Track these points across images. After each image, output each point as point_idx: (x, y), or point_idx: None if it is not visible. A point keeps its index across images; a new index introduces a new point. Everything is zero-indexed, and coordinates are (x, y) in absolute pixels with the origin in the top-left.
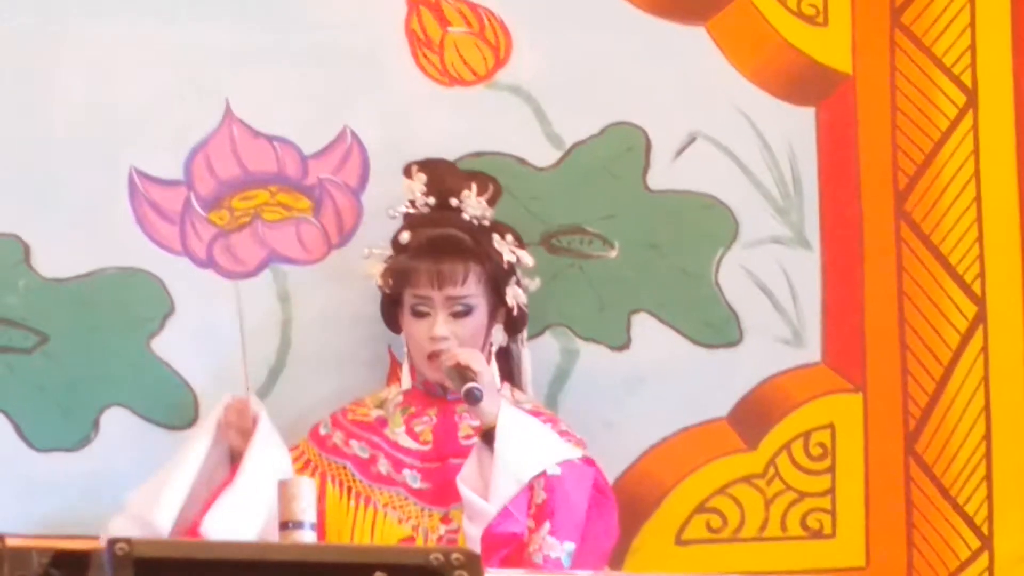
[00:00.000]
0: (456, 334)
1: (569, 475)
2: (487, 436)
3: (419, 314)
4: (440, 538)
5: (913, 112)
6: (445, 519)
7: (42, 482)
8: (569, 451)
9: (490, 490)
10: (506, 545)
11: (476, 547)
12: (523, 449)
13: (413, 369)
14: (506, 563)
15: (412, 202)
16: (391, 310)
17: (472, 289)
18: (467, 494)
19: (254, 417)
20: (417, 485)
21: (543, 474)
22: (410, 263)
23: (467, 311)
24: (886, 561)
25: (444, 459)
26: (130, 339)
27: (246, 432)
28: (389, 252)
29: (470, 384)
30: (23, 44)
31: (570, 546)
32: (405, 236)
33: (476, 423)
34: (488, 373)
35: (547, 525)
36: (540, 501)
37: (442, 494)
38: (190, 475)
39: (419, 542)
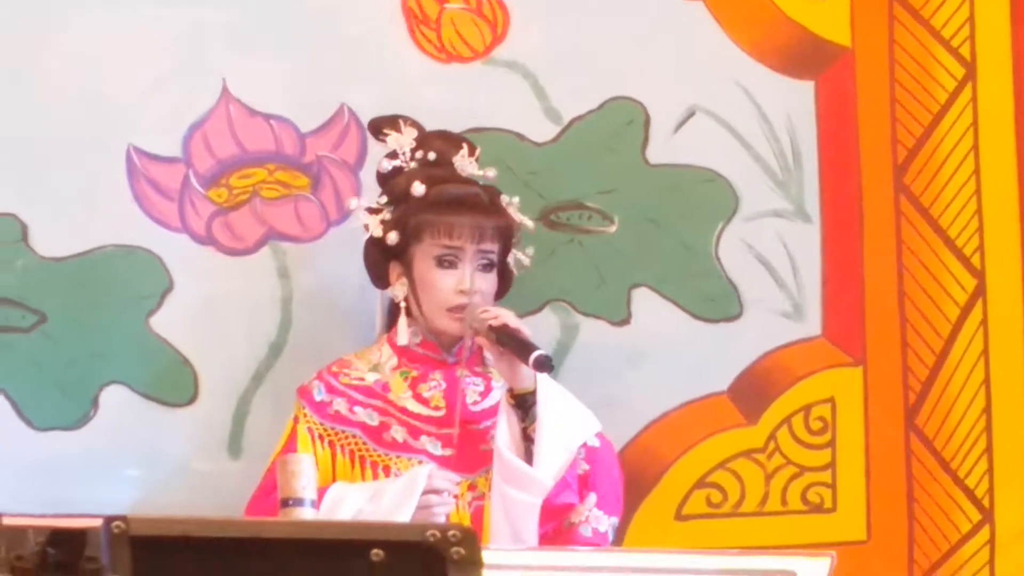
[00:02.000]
0: (482, 288)
1: (605, 447)
2: (519, 400)
3: (446, 265)
4: (468, 504)
5: (912, 85)
6: (472, 486)
7: (41, 460)
8: (596, 422)
9: (537, 458)
10: (563, 515)
11: (532, 515)
12: (566, 417)
13: (410, 325)
14: (546, 536)
15: (396, 154)
16: (383, 262)
17: (495, 247)
18: (517, 463)
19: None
20: (439, 452)
21: (583, 444)
22: (444, 216)
23: (490, 266)
24: (887, 535)
25: (462, 425)
26: (129, 317)
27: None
28: (377, 204)
29: (542, 352)
30: (20, 23)
31: (615, 520)
32: (419, 188)
33: (481, 388)
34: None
35: (593, 497)
36: (582, 472)
37: (466, 461)
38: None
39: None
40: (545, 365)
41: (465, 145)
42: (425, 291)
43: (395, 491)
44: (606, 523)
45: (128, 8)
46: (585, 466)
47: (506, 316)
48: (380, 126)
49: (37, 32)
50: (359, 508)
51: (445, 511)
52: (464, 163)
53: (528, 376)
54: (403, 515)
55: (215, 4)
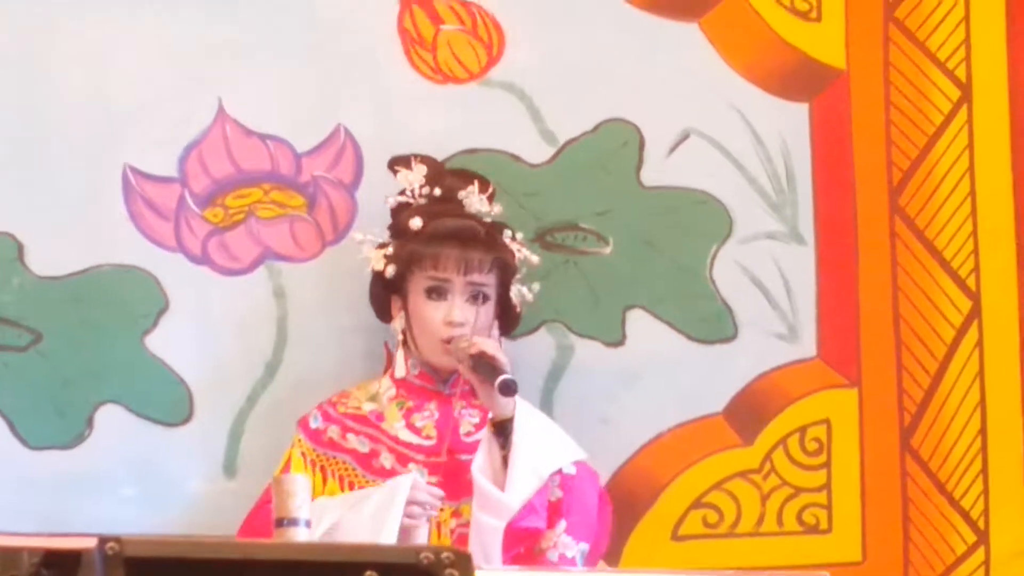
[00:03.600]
0: (470, 321)
1: (583, 475)
2: (498, 428)
3: (435, 298)
4: (452, 531)
5: (907, 107)
6: (456, 513)
7: (36, 479)
8: (578, 451)
9: (507, 483)
10: (528, 539)
11: (496, 539)
12: (540, 444)
13: (407, 358)
14: (517, 560)
15: (411, 192)
16: (384, 296)
17: (489, 279)
18: (486, 486)
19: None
20: (424, 480)
21: (559, 471)
22: (434, 247)
23: (483, 298)
24: (882, 556)
25: (450, 455)
26: (124, 336)
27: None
28: (382, 239)
29: (506, 376)
30: (17, 41)
31: (584, 546)
32: (417, 222)
33: (476, 420)
34: (509, 364)
35: (563, 524)
36: (555, 499)
37: (452, 488)
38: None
39: (432, 535)
40: (509, 389)
41: (476, 182)
42: (417, 324)
43: (377, 499)
44: (574, 549)
45: (124, 29)
46: (559, 493)
47: (485, 344)
48: (394, 164)
49: (34, 52)
50: (340, 515)
51: (427, 520)
52: (472, 199)
53: (508, 405)
54: (384, 523)
55: (212, 24)
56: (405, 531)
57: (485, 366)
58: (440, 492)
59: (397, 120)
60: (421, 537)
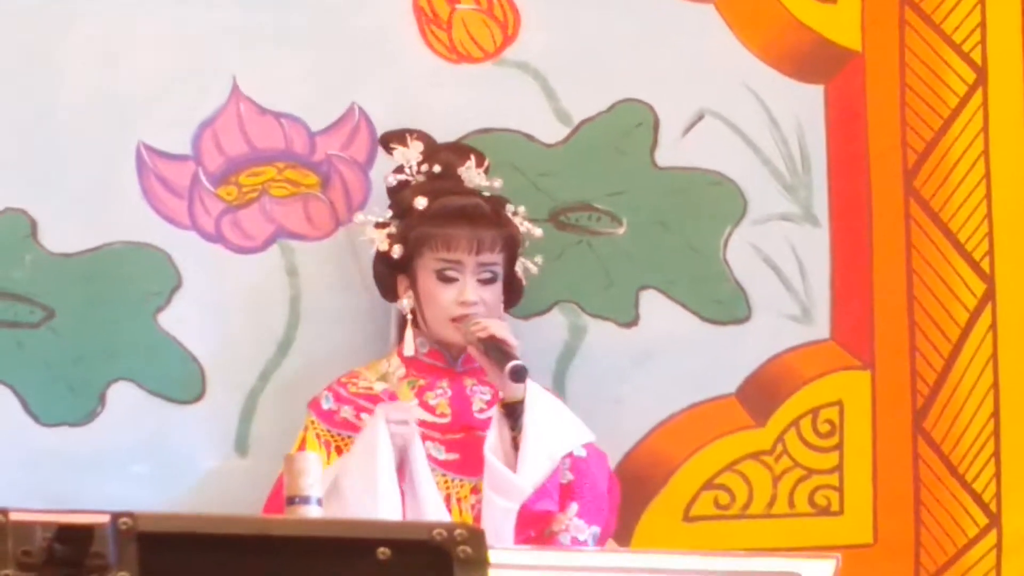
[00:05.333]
0: (483, 300)
1: (593, 457)
2: (508, 409)
3: (447, 279)
4: (473, 507)
5: (922, 89)
6: (475, 489)
7: (49, 456)
8: (588, 433)
9: (520, 465)
10: (541, 522)
11: (509, 521)
12: (551, 427)
13: (416, 336)
14: (528, 542)
15: (402, 168)
16: (391, 275)
17: (498, 258)
18: (499, 468)
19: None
20: (443, 456)
21: (569, 454)
22: (444, 228)
23: (493, 278)
24: (894, 538)
25: (467, 431)
26: (137, 314)
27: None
28: (384, 218)
29: (517, 363)
30: (31, 19)
31: (596, 529)
32: (422, 201)
33: (488, 397)
34: (518, 346)
35: (574, 507)
36: (566, 481)
37: (471, 464)
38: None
39: (453, 511)
40: (520, 375)
41: (473, 156)
42: (428, 304)
43: (362, 443)
44: (586, 532)
45: (139, 7)
46: (570, 476)
47: (495, 327)
48: (388, 140)
49: (48, 30)
50: (334, 474)
51: (412, 432)
52: (471, 174)
53: (518, 386)
54: (376, 458)
55: (226, 3)
56: (402, 452)
57: (496, 350)
58: (410, 404)
59: (411, 99)
60: (418, 448)
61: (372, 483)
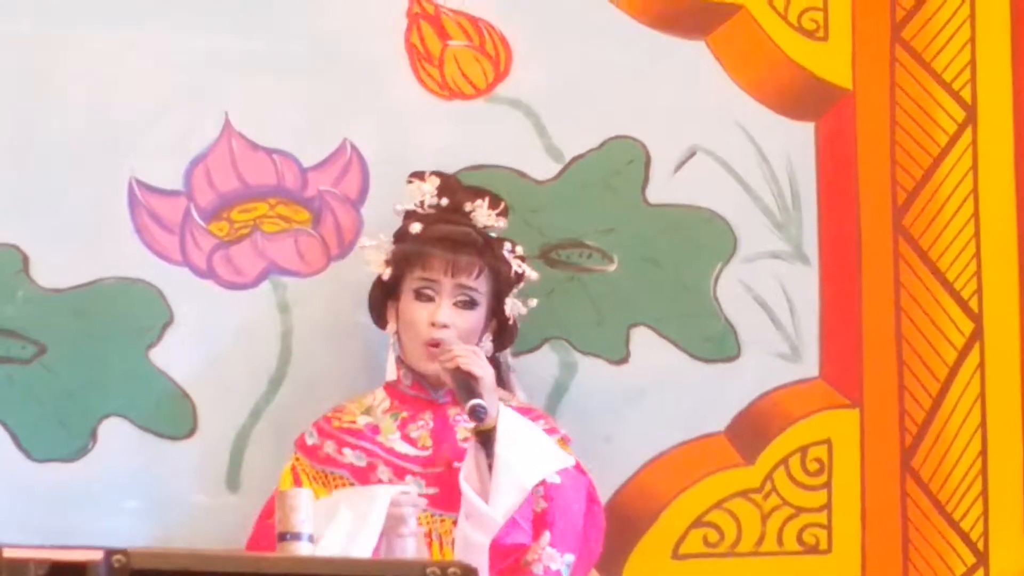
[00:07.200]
0: (456, 324)
1: (568, 484)
2: (482, 436)
3: (423, 298)
4: (453, 542)
5: (912, 128)
6: (456, 524)
7: (40, 492)
8: (565, 458)
9: (491, 496)
10: (512, 555)
11: (482, 553)
12: (523, 455)
13: (399, 365)
14: (503, 574)
15: (420, 203)
16: (382, 301)
17: (480, 286)
18: (472, 498)
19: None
20: (424, 491)
21: (543, 481)
22: (425, 248)
23: (471, 304)
24: None
25: (447, 463)
26: (129, 349)
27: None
28: (387, 243)
29: (476, 401)
30: (24, 51)
31: (570, 558)
32: (416, 227)
33: (472, 425)
34: (489, 376)
35: (547, 535)
36: (539, 510)
37: (452, 499)
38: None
39: (434, 547)
40: (476, 415)
41: (488, 198)
42: (405, 328)
43: (356, 505)
44: (559, 561)
45: (131, 42)
46: (543, 504)
47: (463, 359)
48: (411, 178)
49: (40, 63)
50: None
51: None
52: (479, 213)
53: (492, 415)
54: (368, 520)
55: (218, 37)
56: (393, 521)
57: (461, 384)
58: (422, 502)
59: (403, 135)
60: (410, 525)
61: (353, 536)
